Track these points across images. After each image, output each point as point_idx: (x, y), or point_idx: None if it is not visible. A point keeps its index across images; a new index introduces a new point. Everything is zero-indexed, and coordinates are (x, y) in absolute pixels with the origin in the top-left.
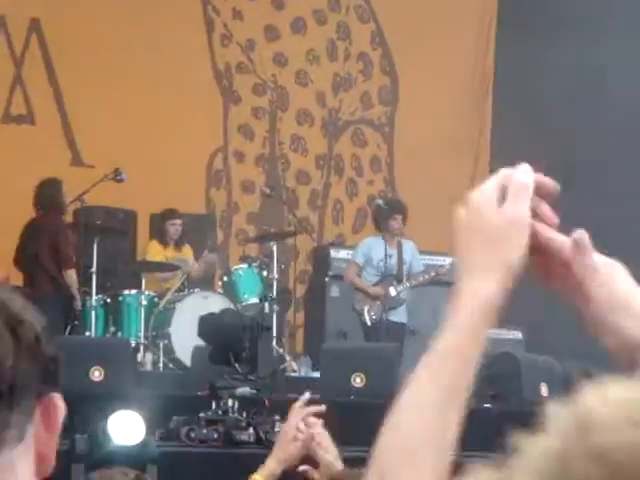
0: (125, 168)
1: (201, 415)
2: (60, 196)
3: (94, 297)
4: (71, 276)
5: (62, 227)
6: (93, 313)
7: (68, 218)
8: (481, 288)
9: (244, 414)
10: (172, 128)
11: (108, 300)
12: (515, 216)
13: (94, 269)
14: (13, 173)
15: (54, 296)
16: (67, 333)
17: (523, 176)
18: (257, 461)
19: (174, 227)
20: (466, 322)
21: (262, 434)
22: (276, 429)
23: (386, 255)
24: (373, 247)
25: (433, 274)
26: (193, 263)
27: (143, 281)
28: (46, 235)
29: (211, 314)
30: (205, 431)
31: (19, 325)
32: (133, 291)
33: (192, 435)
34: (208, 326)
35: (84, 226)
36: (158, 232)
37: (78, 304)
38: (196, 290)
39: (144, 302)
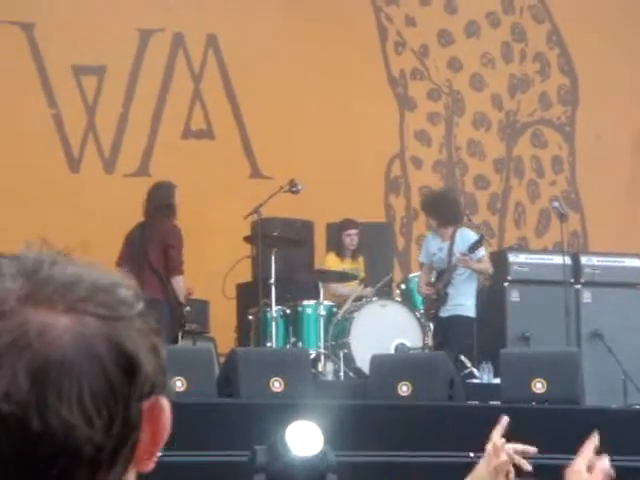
0: (303, 178)
1: None
2: (172, 199)
3: (274, 308)
4: (179, 282)
5: (174, 231)
6: (274, 324)
7: (246, 230)
8: None
9: None
10: (348, 136)
11: (288, 311)
12: None
13: (273, 280)
14: (193, 186)
15: (165, 301)
16: (178, 341)
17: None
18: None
19: (349, 238)
20: None
21: None
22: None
23: (438, 249)
24: (430, 243)
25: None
26: (362, 287)
27: (321, 291)
28: (157, 239)
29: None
30: None
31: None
32: (312, 301)
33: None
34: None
35: (262, 237)
36: (335, 243)
37: (184, 311)
38: (374, 299)
39: (323, 312)
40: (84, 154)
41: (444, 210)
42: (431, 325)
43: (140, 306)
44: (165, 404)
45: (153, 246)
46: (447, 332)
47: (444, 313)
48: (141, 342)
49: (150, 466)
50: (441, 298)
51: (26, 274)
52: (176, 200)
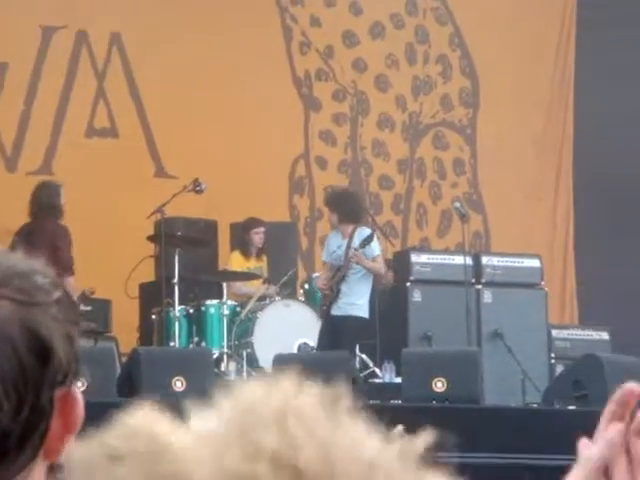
0: (207, 178)
1: None
2: (58, 199)
3: (177, 307)
4: (71, 283)
5: (60, 232)
6: (177, 324)
7: (149, 229)
8: None
9: None
10: (253, 137)
11: (191, 310)
12: None
13: (176, 280)
14: (97, 185)
15: None
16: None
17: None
18: None
19: (258, 236)
20: None
21: None
22: None
23: (337, 247)
24: (330, 240)
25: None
26: (266, 286)
27: (225, 291)
28: (43, 240)
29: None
30: None
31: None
32: (215, 301)
33: None
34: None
35: (165, 237)
36: (240, 242)
37: (79, 310)
38: (277, 299)
39: (226, 312)
40: None
41: (346, 206)
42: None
43: (57, 294)
44: (78, 395)
45: (40, 247)
46: (339, 331)
47: (336, 311)
48: (56, 329)
49: (60, 456)
50: (333, 294)
51: None
52: (62, 199)
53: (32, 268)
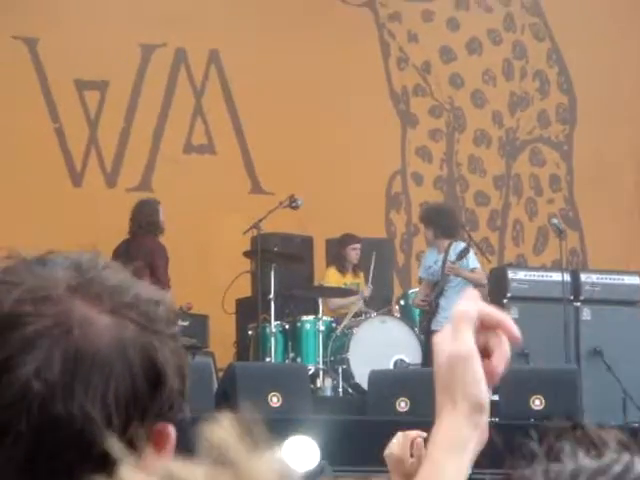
0: (303, 194)
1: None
2: (157, 216)
3: (273, 323)
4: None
5: (158, 249)
6: (273, 339)
7: (246, 245)
8: (450, 430)
9: None
10: (349, 152)
11: (287, 326)
12: (454, 352)
13: (272, 295)
14: (194, 201)
15: None
16: None
17: (463, 305)
18: None
19: (355, 252)
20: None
21: None
22: None
23: (434, 262)
24: (427, 257)
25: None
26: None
27: (320, 307)
28: (141, 257)
29: None
30: None
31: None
32: (311, 317)
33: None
34: None
35: (261, 253)
36: (336, 258)
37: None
38: (373, 315)
39: (322, 328)
40: (86, 168)
41: (441, 221)
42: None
43: (176, 327)
44: (172, 432)
45: (138, 265)
46: None
47: (436, 326)
48: (171, 360)
49: None
50: (432, 309)
51: (79, 269)
52: (161, 217)
53: (158, 297)
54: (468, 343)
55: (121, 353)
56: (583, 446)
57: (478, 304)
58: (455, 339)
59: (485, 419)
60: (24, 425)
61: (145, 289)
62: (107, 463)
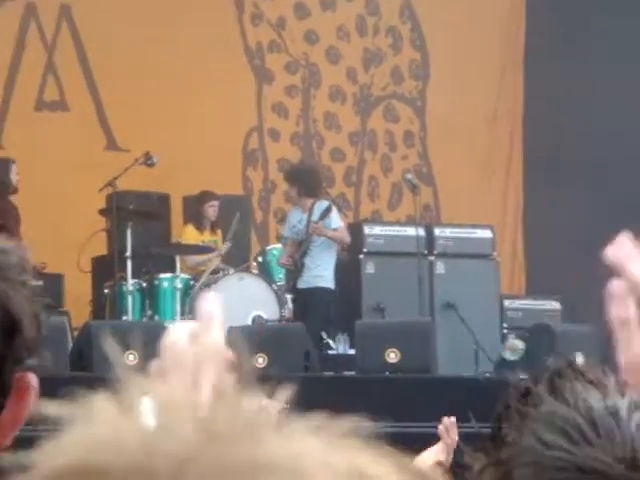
0: (159, 151)
1: None
2: (6, 175)
3: (130, 281)
4: None
5: (8, 208)
6: (130, 297)
7: (101, 203)
8: None
9: None
10: (205, 109)
11: (144, 284)
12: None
13: (129, 254)
14: (47, 158)
15: None
16: None
17: (206, 305)
18: None
19: (212, 209)
20: None
21: None
22: None
23: (298, 221)
24: (291, 216)
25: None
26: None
27: (178, 265)
28: None
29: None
30: None
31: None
32: (168, 274)
33: None
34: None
35: (117, 210)
36: (194, 216)
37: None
38: (231, 272)
39: (179, 285)
40: None
41: (305, 180)
42: (288, 297)
43: (28, 276)
44: (34, 382)
45: None
46: (306, 304)
47: (302, 284)
48: (25, 307)
49: (7, 442)
50: (297, 268)
51: None
52: (13, 176)
53: (5, 247)
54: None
55: None
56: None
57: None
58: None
59: None
60: None
61: None
62: None
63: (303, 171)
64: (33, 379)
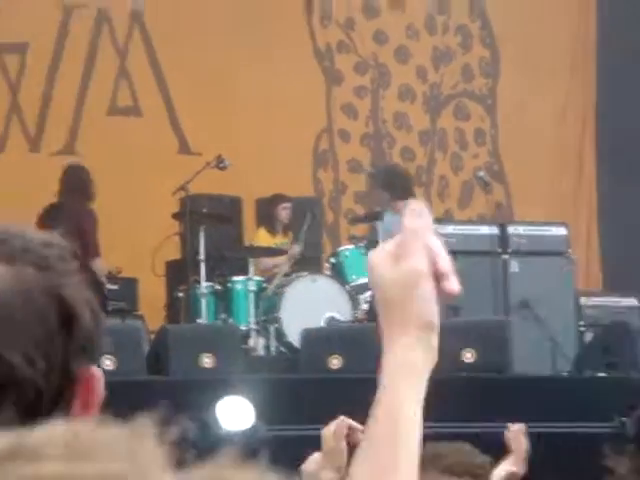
0: (231, 154)
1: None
2: (86, 181)
3: (203, 284)
4: (98, 264)
5: (86, 212)
6: (203, 300)
7: (174, 207)
8: (403, 353)
9: None
10: (275, 111)
11: (217, 287)
12: (409, 269)
13: (202, 257)
14: (120, 163)
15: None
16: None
17: (412, 223)
18: None
19: (285, 212)
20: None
21: None
22: None
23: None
24: (387, 221)
25: None
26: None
27: (251, 267)
28: (70, 222)
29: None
30: None
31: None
32: (241, 277)
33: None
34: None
35: (190, 214)
36: (266, 219)
37: (106, 290)
38: (304, 274)
39: (253, 288)
40: (8, 134)
41: (398, 184)
42: (361, 297)
43: (75, 264)
44: (99, 374)
45: (66, 229)
46: None
47: None
48: (78, 296)
49: None
50: None
51: None
52: (91, 182)
53: (49, 239)
54: (421, 261)
55: (25, 297)
56: None
57: (426, 222)
58: (407, 256)
59: (436, 339)
60: None
61: (35, 234)
62: (38, 408)
63: (395, 174)
64: (98, 371)
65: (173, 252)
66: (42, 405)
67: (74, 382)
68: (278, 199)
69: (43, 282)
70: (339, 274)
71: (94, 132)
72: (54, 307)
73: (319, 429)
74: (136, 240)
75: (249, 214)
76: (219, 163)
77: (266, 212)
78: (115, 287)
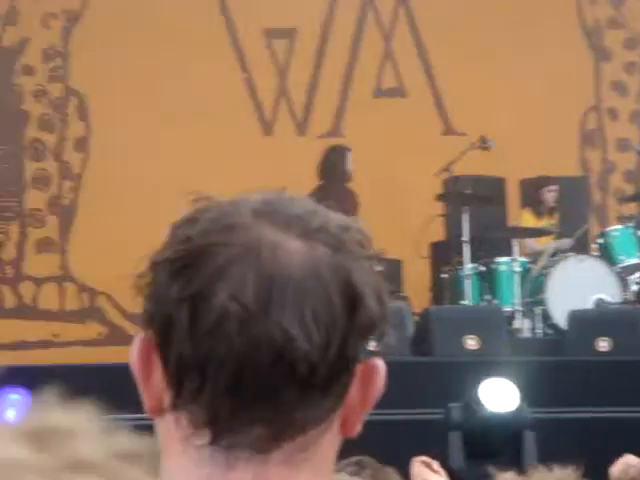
0: (495, 134)
1: None
2: (342, 163)
3: (467, 266)
4: None
5: (346, 194)
6: (467, 282)
7: (438, 188)
8: None
9: None
10: (541, 90)
11: (482, 268)
12: None
13: (466, 238)
14: (386, 146)
15: None
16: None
17: None
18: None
19: (551, 194)
20: None
21: None
22: None
23: None
24: None
25: None
26: (560, 241)
27: (515, 248)
28: (331, 204)
29: None
30: None
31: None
32: (506, 258)
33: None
34: None
35: (454, 195)
36: (531, 201)
37: None
38: (570, 254)
39: (518, 269)
40: (277, 117)
41: None
42: (631, 278)
43: (370, 252)
44: (381, 366)
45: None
46: None
47: None
48: (368, 281)
49: (357, 430)
50: None
51: (264, 202)
52: (347, 164)
53: (349, 223)
54: None
55: (314, 273)
56: None
57: None
58: None
59: None
60: (225, 350)
61: (333, 215)
62: (312, 384)
63: None
64: (380, 363)
65: (437, 233)
66: (316, 383)
67: (352, 368)
68: (544, 182)
69: (334, 263)
70: (607, 255)
71: (359, 114)
72: (340, 289)
73: (586, 412)
74: (400, 222)
75: (513, 195)
76: (483, 143)
77: (531, 195)
78: (381, 269)
